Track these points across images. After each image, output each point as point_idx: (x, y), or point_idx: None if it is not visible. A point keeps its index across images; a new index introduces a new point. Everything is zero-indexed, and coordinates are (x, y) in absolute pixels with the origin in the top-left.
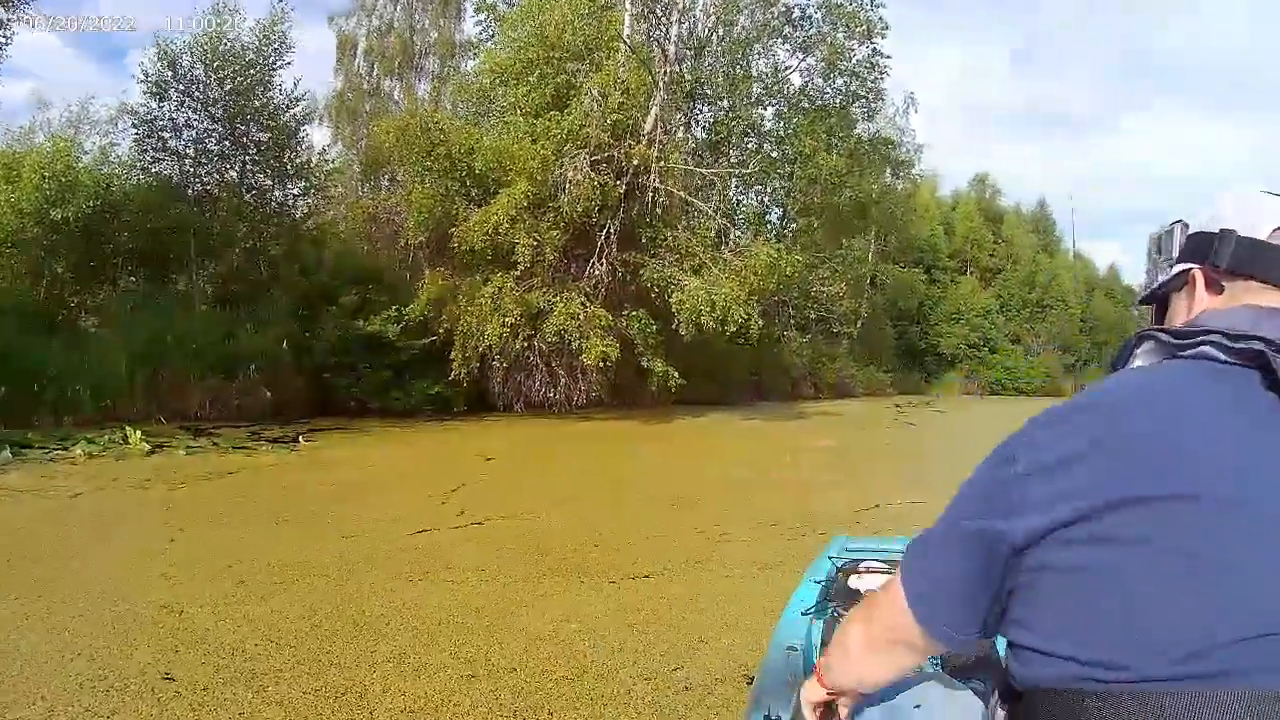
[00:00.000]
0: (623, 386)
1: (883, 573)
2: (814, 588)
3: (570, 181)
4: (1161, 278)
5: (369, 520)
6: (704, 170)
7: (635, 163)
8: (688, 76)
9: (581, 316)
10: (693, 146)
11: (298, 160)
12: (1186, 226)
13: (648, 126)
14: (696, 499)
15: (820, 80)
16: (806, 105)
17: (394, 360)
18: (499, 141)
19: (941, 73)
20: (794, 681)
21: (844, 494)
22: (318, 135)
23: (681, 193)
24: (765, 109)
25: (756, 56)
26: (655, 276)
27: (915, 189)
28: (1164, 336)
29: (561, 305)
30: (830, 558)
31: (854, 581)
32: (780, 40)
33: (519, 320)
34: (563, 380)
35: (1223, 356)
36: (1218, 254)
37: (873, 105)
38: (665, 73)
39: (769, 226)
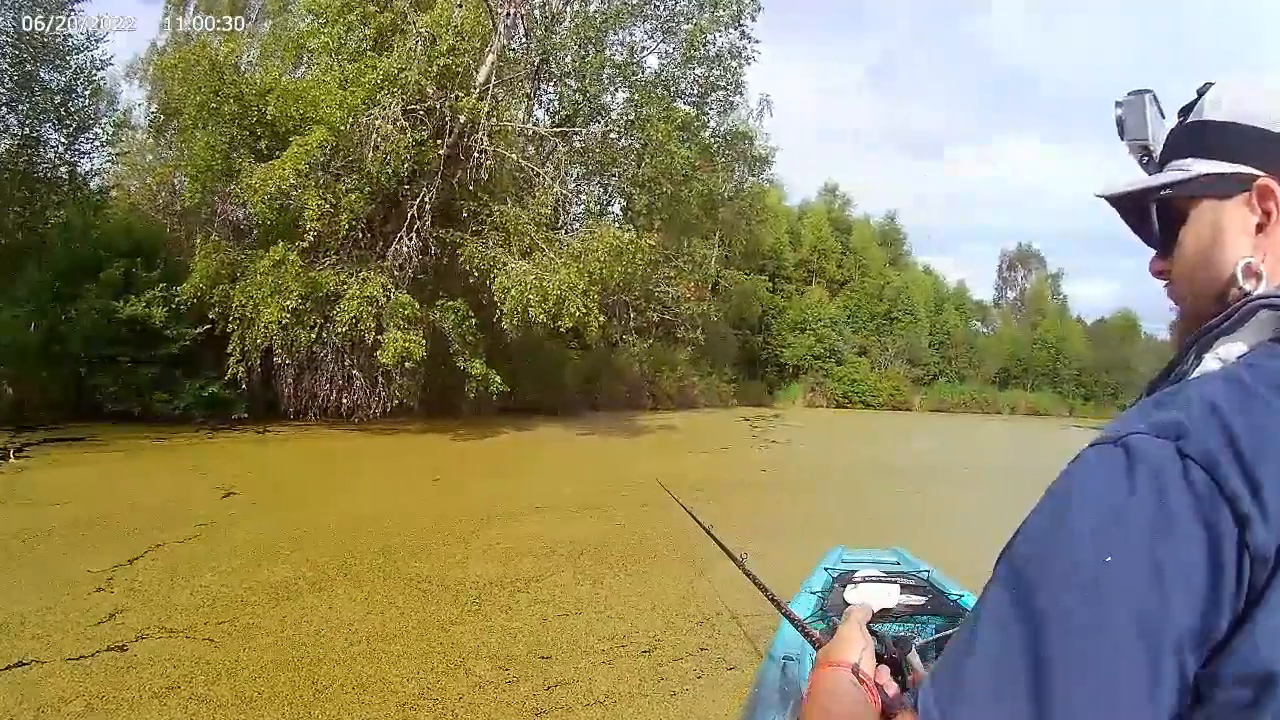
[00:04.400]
0: (436, 392)
1: (878, 582)
2: (810, 599)
3: (378, 133)
4: (1170, 175)
5: None
6: (541, 130)
7: (462, 119)
8: (534, 49)
9: (382, 303)
10: (534, 131)
11: (89, 109)
12: (1156, 101)
13: (481, 77)
14: (517, 585)
15: (678, 69)
16: (662, 92)
17: (164, 353)
18: (298, 84)
19: (794, 85)
20: (790, 692)
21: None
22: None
23: (515, 156)
24: (616, 92)
25: (612, 36)
26: (477, 257)
27: (764, 193)
28: None
29: (356, 288)
30: (826, 569)
31: (849, 593)
32: (640, 20)
33: (303, 305)
34: (358, 383)
35: None
36: None
37: (732, 97)
38: (508, 14)
39: (610, 218)
